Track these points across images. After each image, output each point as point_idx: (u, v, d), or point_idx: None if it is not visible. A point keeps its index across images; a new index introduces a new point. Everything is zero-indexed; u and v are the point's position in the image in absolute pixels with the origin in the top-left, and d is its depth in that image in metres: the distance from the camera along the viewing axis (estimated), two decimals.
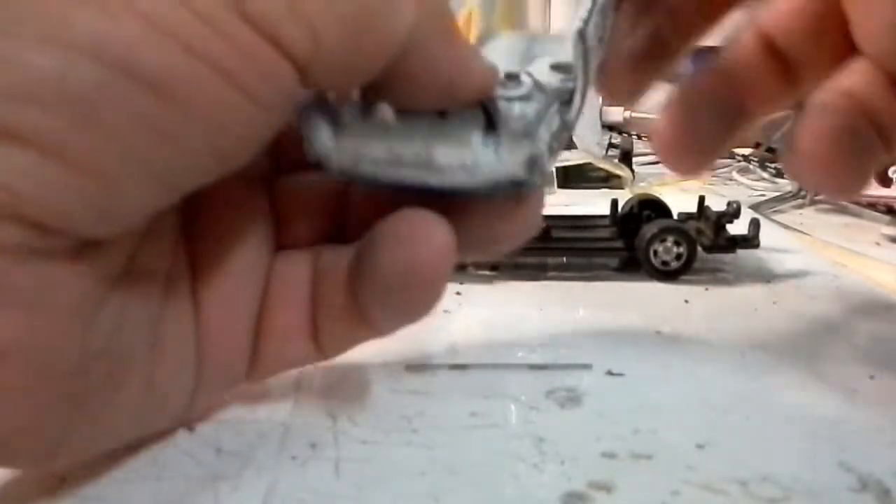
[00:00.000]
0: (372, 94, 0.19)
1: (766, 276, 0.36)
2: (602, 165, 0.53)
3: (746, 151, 0.62)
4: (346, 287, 0.21)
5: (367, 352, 0.27)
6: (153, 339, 0.19)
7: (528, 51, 0.24)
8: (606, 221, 0.39)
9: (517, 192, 0.19)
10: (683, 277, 0.36)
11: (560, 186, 0.53)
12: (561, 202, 0.38)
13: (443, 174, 0.18)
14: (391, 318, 0.21)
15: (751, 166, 0.59)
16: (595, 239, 0.37)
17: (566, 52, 0.22)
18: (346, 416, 0.23)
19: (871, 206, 0.47)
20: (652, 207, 0.38)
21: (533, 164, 0.18)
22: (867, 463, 0.20)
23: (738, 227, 0.37)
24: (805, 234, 0.45)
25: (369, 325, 0.21)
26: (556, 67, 0.22)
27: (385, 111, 0.19)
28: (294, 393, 0.24)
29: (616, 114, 0.66)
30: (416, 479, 0.20)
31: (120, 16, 0.14)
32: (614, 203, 0.39)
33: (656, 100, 0.25)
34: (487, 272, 0.38)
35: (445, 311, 0.31)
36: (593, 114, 0.63)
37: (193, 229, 0.21)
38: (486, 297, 0.34)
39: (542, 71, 0.22)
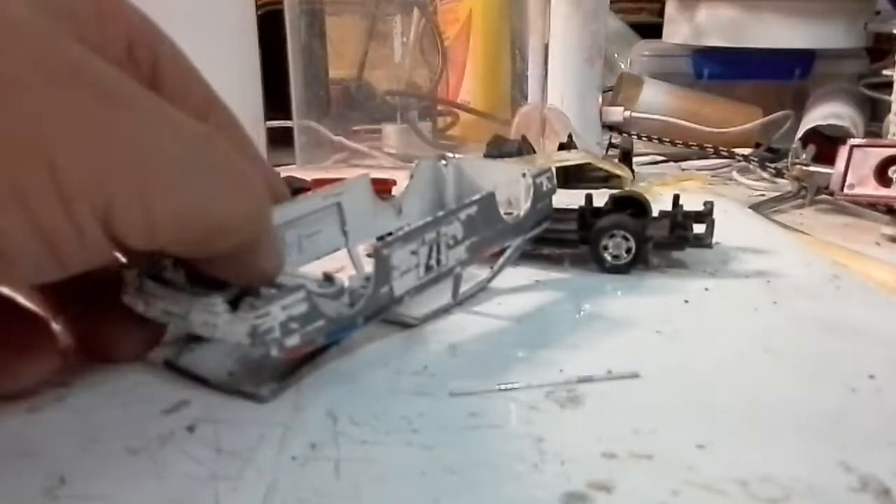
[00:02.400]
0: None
1: (766, 276, 0.36)
2: (602, 165, 0.53)
3: (746, 151, 0.62)
4: None
5: (367, 352, 0.27)
6: None
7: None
8: (575, 215, 0.39)
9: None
10: (683, 277, 0.36)
11: (560, 186, 0.53)
12: (561, 202, 0.37)
13: (195, 329, 0.23)
14: None
15: (751, 166, 0.58)
16: (560, 231, 0.38)
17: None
18: (346, 416, 0.23)
19: (872, 206, 0.47)
20: (631, 205, 0.38)
21: (254, 334, 0.22)
22: (867, 463, 0.20)
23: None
24: (805, 233, 0.45)
25: None
26: (326, 278, 0.28)
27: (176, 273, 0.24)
28: (294, 393, 0.24)
29: (616, 114, 0.66)
30: (416, 479, 0.20)
31: None
32: (588, 197, 0.39)
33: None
34: None
35: (445, 311, 0.31)
36: (593, 114, 0.63)
37: None
38: (486, 297, 0.34)
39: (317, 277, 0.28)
